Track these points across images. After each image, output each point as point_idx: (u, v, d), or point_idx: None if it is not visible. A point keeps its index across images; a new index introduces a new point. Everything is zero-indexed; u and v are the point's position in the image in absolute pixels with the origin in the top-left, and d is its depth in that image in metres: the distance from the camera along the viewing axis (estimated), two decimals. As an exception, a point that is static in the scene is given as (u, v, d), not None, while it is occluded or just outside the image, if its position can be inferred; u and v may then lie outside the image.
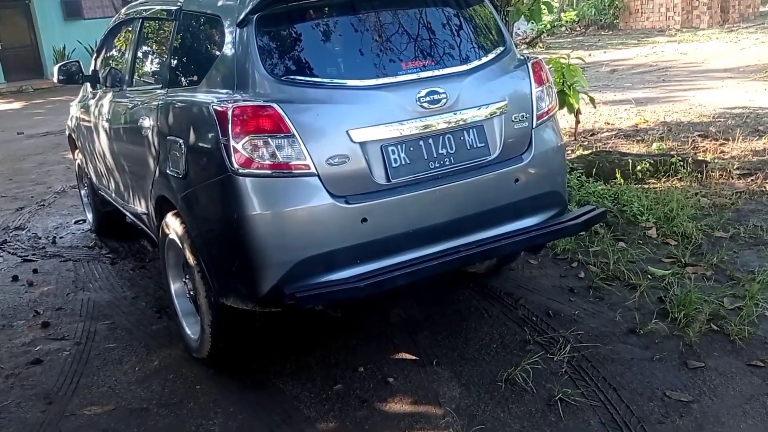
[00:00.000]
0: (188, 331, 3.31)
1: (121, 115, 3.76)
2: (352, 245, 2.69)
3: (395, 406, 2.81)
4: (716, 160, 5.77)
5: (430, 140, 2.81)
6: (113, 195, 4.34)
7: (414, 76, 2.81)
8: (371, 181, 2.71)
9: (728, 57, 13.30)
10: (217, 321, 2.96)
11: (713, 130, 6.95)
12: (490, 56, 3.05)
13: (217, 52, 2.85)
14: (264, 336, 3.32)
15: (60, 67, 4.56)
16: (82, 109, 4.81)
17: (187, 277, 3.25)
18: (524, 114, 3.05)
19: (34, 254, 5.09)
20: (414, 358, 3.16)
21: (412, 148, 2.77)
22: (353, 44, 2.79)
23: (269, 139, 2.57)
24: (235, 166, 2.56)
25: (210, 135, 2.67)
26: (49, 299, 4.22)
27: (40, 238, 5.48)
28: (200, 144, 2.77)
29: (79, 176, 5.62)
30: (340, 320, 3.32)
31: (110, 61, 4.38)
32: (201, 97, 2.82)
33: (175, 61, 3.23)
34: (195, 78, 3.02)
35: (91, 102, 4.53)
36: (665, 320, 3.26)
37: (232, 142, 2.56)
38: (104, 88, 4.40)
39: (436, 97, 2.79)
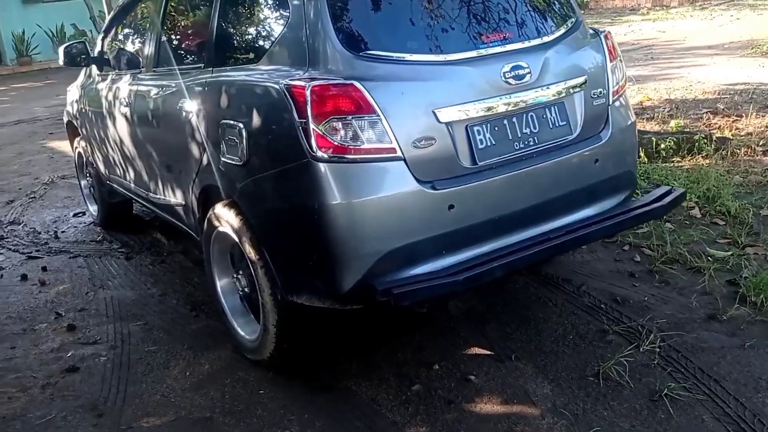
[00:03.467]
0: (241, 332, 3.07)
1: (147, 99, 3.47)
2: (438, 234, 2.48)
3: (485, 406, 2.62)
4: (736, 137, 5.67)
5: (514, 119, 2.61)
6: (132, 185, 4.04)
7: (498, 50, 2.61)
8: (458, 164, 2.49)
9: (708, 34, 13.30)
10: (283, 320, 2.73)
11: (722, 107, 6.86)
12: (565, 28, 2.86)
13: (281, 27, 2.59)
14: (323, 334, 3.08)
15: (65, 48, 4.22)
16: (87, 94, 4.48)
17: (240, 272, 3.01)
18: (601, 90, 2.87)
19: (38, 251, 4.76)
20: (488, 352, 2.97)
21: (497, 128, 2.57)
22: (431, 16, 2.56)
23: (352, 121, 2.33)
24: (315, 150, 2.32)
25: (282, 117, 2.42)
26: (68, 299, 3.92)
27: (40, 233, 5.14)
28: (268, 127, 2.52)
29: (79, 166, 5.28)
30: (398, 314, 3.12)
31: (125, 41, 4.07)
32: (265, 75, 2.57)
33: (222, 39, 2.95)
34: (251, 56, 2.76)
35: (101, 86, 4.21)
36: (744, 305, 3.11)
37: (311, 125, 2.32)
38: (117, 71, 4.08)
39: (520, 72, 2.58)
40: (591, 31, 2.98)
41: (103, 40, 4.32)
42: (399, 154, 2.37)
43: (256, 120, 2.55)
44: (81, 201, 5.77)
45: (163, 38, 3.50)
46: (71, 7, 16.45)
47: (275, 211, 2.58)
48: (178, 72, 3.24)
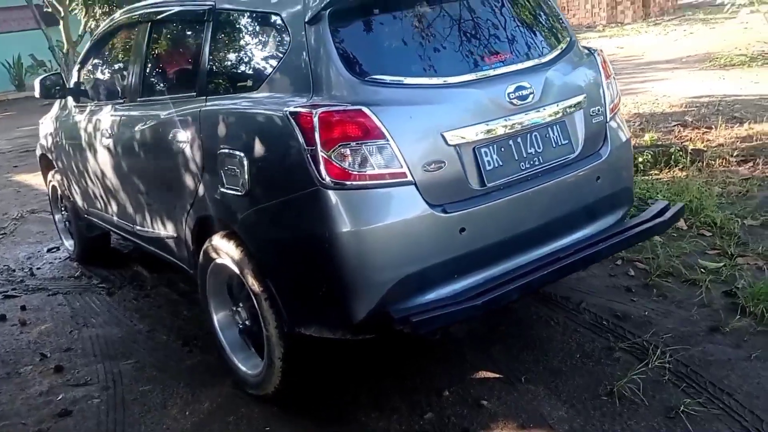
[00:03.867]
0: (242, 367, 2.98)
1: (133, 130, 3.37)
2: (450, 258, 2.45)
3: None
4: (709, 149, 5.78)
5: (519, 139, 2.60)
6: (114, 219, 3.92)
7: (501, 71, 2.60)
8: (467, 186, 2.47)
9: (664, 49, 13.63)
10: (289, 353, 2.65)
11: (690, 120, 7.00)
12: (561, 48, 2.87)
13: (280, 54, 2.54)
14: (328, 364, 3.01)
15: (42, 80, 4.10)
16: (63, 127, 4.35)
17: (240, 305, 2.92)
18: (599, 107, 2.88)
19: (14, 289, 4.59)
20: (497, 375, 2.93)
21: (503, 149, 2.55)
22: (433, 38, 2.55)
23: (362, 146, 2.29)
24: (325, 177, 2.27)
25: (287, 145, 2.37)
26: (52, 339, 3.77)
27: (14, 271, 4.96)
28: (272, 156, 2.46)
29: (53, 200, 5.13)
30: (403, 340, 3.07)
31: (104, 72, 3.97)
32: (266, 103, 2.51)
33: (215, 66, 2.89)
34: (249, 83, 2.70)
35: (79, 118, 4.09)
36: (744, 316, 3.14)
37: (320, 152, 2.26)
38: (96, 102, 3.98)
39: (524, 92, 2.57)
40: (585, 50, 2.99)
41: (79, 71, 4.21)
42: (410, 178, 2.34)
43: (258, 149, 2.49)
44: (55, 236, 5.60)
45: (148, 68, 3.42)
46: (28, 37, 16.19)
47: (281, 242, 2.51)
48: (168, 101, 3.15)
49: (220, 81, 2.88)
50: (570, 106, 2.73)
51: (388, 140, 2.30)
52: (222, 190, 2.68)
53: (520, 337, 3.20)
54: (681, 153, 5.48)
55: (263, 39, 2.70)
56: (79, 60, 4.26)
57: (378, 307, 2.36)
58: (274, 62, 2.57)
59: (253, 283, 2.65)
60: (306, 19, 2.42)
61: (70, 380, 3.30)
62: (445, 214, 2.40)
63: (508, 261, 2.59)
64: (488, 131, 2.49)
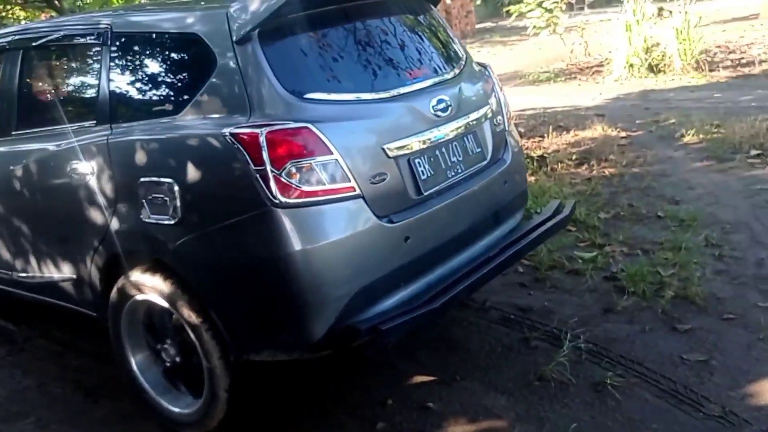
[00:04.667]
0: (172, 408, 2.83)
1: (10, 168, 3.08)
2: (398, 267, 2.53)
3: (456, 428, 2.69)
4: (548, 155, 6.36)
5: (444, 149, 2.74)
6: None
7: (421, 85, 2.73)
8: (407, 196, 2.57)
9: (475, 69, 14.65)
10: (235, 383, 2.57)
11: (523, 130, 7.63)
12: (462, 64, 3.06)
13: (204, 75, 2.47)
14: (264, 391, 2.94)
15: None
16: None
17: (168, 342, 2.77)
18: (500, 117, 3.11)
19: None
20: (432, 378, 3.03)
21: (432, 159, 2.68)
22: (358, 56, 2.63)
23: (311, 163, 2.31)
24: (277, 196, 2.25)
25: (229, 167, 2.32)
26: None
27: None
28: (209, 179, 2.39)
29: None
30: (322, 360, 3.06)
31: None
32: (196, 126, 2.43)
33: (119, 92, 2.73)
34: (168, 107, 2.59)
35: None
36: (629, 296, 3.50)
37: (269, 171, 2.25)
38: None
39: (444, 105, 2.73)
40: (478, 65, 3.21)
41: None
42: (358, 191, 2.39)
43: (192, 173, 2.40)
44: None
45: (24, 99, 3.14)
46: None
47: (226, 267, 2.43)
48: (57, 133, 2.93)
49: (128, 107, 2.73)
50: (480, 117, 2.92)
51: (335, 156, 2.34)
52: (145, 221, 2.55)
53: (441, 340, 3.32)
54: (528, 160, 5.96)
55: (179, 61, 2.62)
56: None
57: (336, 323, 2.37)
58: (197, 84, 2.50)
59: (189, 315, 2.54)
60: (234, 39, 2.39)
61: (-40, 453, 2.91)
62: (392, 224, 2.48)
63: (445, 264, 2.71)
64: (420, 142, 2.61)
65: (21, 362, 3.69)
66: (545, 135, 7.12)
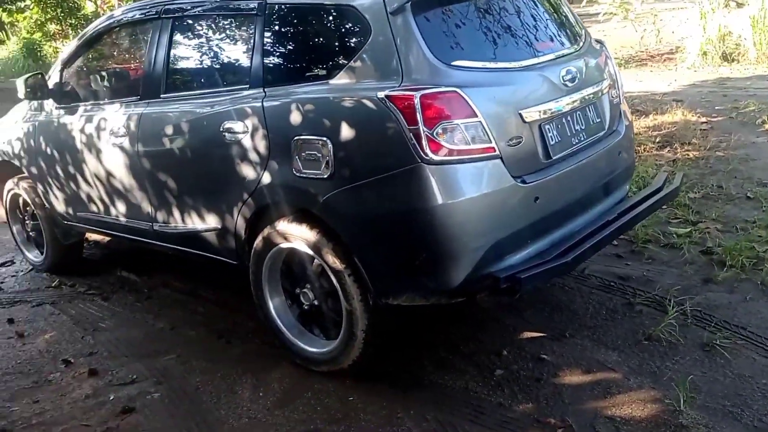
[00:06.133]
0: (306, 347, 3.10)
1: (160, 126, 3.37)
2: (527, 224, 2.73)
3: (572, 378, 2.88)
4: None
5: (569, 117, 2.93)
6: (122, 220, 3.84)
7: (551, 56, 2.92)
8: (538, 159, 2.76)
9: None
10: (373, 325, 2.82)
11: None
12: (584, 39, 3.24)
13: (359, 43, 2.71)
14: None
15: (26, 80, 3.95)
16: (42, 130, 4.19)
17: (307, 287, 3.04)
18: (616, 91, 3.28)
19: (-17, 304, 4.33)
20: (541, 334, 3.24)
21: (559, 126, 2.87)
22: (498, 27, 2.83)
23: (459, 124, 2.53)
24: (428, 154, 2.48)
25: (383, 126, 2.55)
26: (65, 347, 3.66)
27: (-30, 286, 4.66)
28: (363, 138, 2.62)
29: (12, 210, 4.86)
30: (435, 312, 3.29)
31: (104, 71, 3.90)
32: (351, 89, 2.67)
33: (273, 58, 2.99)
34: (321, 72, 2.84)
35: (67, 119, 3.98)
36: (729, 268, 3.65)
37: (423, 130, 2.48)
38: (94, 102, 3.90)
39: (572, 76, 2.91)
40: (597, 42, 3.38)
41: (62, 71, 4.08)
42: (497, 152, 2.60)
43: (346, 132, 2.64)
44: None
45: (173, 65, 3.43)
46: None
47: (373, 217, 2.67)
48: (207, 96, 3.21)
49: (281, 72, 2.98)
50: (601, 89, 3.10)
51: (479, 118, 2.55)
52: (297, 175, 2.80)
53: (545, 302, 3.53)
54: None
55: (333, 30, 2.85)
56: (61, 60, 4.12)
57: (473, 272, 2.60)
58: (351, 51, 2.73)
59: (333, 261, 2.80)
60: (389, 11, 2.61)
61: (113, 381, 3.25)
62: (524, 185, 2.68)
63: (566, 226, 2.91)
64: (551, 110, 2.81)
65: (150, 308, 4.03)
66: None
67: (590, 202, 3.08)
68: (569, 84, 2.88)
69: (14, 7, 21.60)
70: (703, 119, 6.90)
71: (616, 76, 3.31)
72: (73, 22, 22.98)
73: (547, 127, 2.80)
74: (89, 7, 20.62)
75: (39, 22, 22.34)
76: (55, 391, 3.21)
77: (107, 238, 5.15)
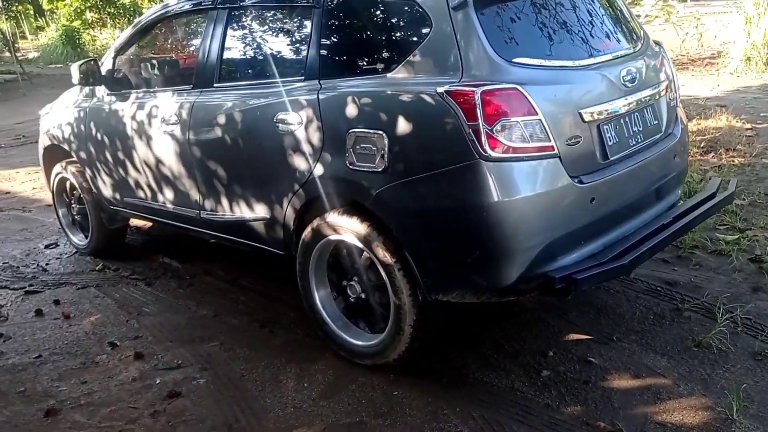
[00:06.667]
0: (351, 339, 3.10)
1: (213, 115, 3.39)
2: (582, 225, 2.70)
3: (621, 382, 2.85)
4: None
5: (627, 118, 2.89)
6: (169, 206, 3.88)
7: (611, 56, 2.89)
8: (595, 160, 2.73)
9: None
10: (421, 320, 2.82)
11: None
12: (643, 40, 3.19)
13: (418, 38, 2.70)
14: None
15: (80, 65, 4.01)
16: (92, 115, 4.24)
17: (354, 279, 3.04)
18: (673, 93, 3.23)
19: (31, 285, 4.41)
20: (588, 337, 3.21)
21: (617, 126, 2.84)
22: (558, 24, 2.80)
23: (518, 122, 2.51)
24: (487, 151, 2.46)
25: (441, 121, 2.54)
26: (111, 329, 3.70)
27: (18, 267, 4.74)
28: (421, 132, 2.61)
29: (58, 194, 4.94)
30: (478, 309, 3.27)
31: (157, 60, 3.94)
32: (409, 83, 2.66)
33: (329, 51, 3.00)
34: (379, 66, 2.83)
35: (119, 106, 4.02)
36: (778, 277, 3.59)
37: (482, 127, 2.46)
38: (146, 89, 3.95)
39: (632, 76, 2.88)
40: (655, 43, 3.33)
41: (115, 58, 4.13)
42: (556, 151, 2.57)
43: (403, 126, 2.63)
44: (45, 232, 5.45)
45: (228, 55, 3.45)
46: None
47: (428, 212, 2.65)
48: (261, 86, 3.23)
49: (337, 65, 2.99)
50: (659, 91, 3.06)
51: (539, 116, 2.53)
52: (350, 168, 2.80)
53: (590, 304, 3.49)
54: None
55: (393, 24, 2.85)
56: (114, 48, 4.17)
57: (526, 271, 2.58)
58: (410, 46, 2.72)
59: (384, 254, 2.79)
60: (451, 6, 2.60)
61: (159, 365, 3.28)
62: (581, 185, 2.66)
63: (619, 228, 2.88)
64: (610, 110, 2.77)
65: (192, 295, 4.07)
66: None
67: (643, 206, 3.04)
68: (629, 84, 2.85)
69: (56, -6, 21.91)
70: (748, 125, 6.79)
71: (673, 78, 3.26)
72: (111, 11, 23.32)
73: (605, 127, 2.77)
74: (127, -4, 20.87)
75: (79, 10, 22.67)
76: (102, 373, 3.25)
77: (148, 225, 5.22)
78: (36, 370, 3.31)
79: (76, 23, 22.55)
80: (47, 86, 16.01)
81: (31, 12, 25.64)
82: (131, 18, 22.90)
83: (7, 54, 22.34)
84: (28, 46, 25.99)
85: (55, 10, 24.84)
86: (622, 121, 2.85)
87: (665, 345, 3.09)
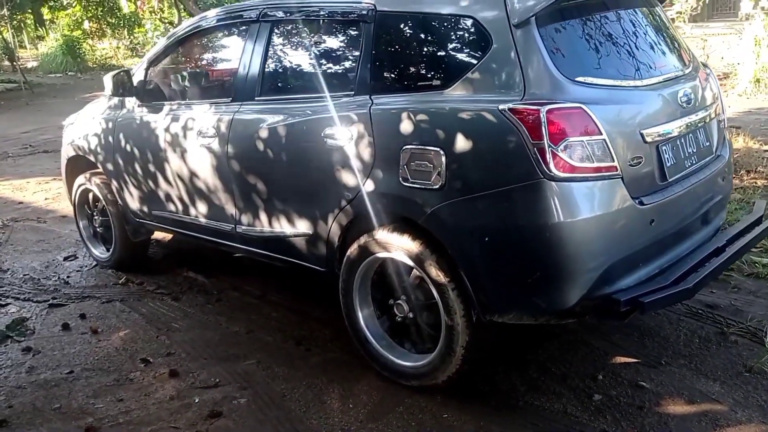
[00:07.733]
0: (396, 360, 3.04)
1: (255, 129, 3.34)
2: (642, 247, 2.66)
3: (676, 408, 2.80)
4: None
5: (683, 139, 2.86)
6: (201, 220, 3.82)
7: (668, 77, 2.86)
8: (654, 181, 2.70)
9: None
10: (474, 341, 2.76)
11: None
12: (693, 62, 3.17)
13: (478, 55, 2.66)
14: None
15: (113, 76, 3.96)
16: (122, 127, 4.18)
17: (402, 298, 2.99)
18: (721, 114, 3.21)
19: (54, 298, 4.32)
20: (634, 360, 3.16)
21: (675, 148, 2.81)
22: (619, 44, 2.78)
23: (584, 141, 2.47)
24: (552, 170, 2.42)
25: (504, 140, 2.50)
26: (141, 345, 3.62)
27: (39, 280, 4.65)
28: (481, 150, 2.57)
29: (80, 205, 4.87)
30: (517, 331, 3.22)
31: (194, 73, 3.89)
32: (469, 101, 2.62)
33: (381, 66, 2.95)
34: (436, 83, 2.79)
35: (151, 118, 3.97)
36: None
37: (547, 146, 2.42)
38: (180, 101, 3.90)
39: (688, 98, 2.85)
40: (702, 65, 3.31)
41: (147, 70, 4.08)
42: (619, 172, 2.53)
43: (461, 144, 2.59)
44: (62, 244, 5.36)
45: (271, 68, 3.40)
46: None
47: (486, 232, 2.60)
48: (307, 101, 3.18)
49: (390, 81, 2.94)
50: (711, 113, 3.03)
51: (603, 136, 2.49)
52: (404, 185, 2.75)
53: (633, 326, 3.44)
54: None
55: (450, 41, 2.80)
56: (147, 59, 4.12)
57: (588, 293, 2.53)
58: (469, 63, 2.68)
59: (437, 274, 2.74)
60: (514, 23, 2.56)
61: (196, 383, 3.20)
62: (642, 206, 2.62)
63: (673, 251, 2.84)
64: (669, 131, 2.74)
65: (222, 310, 4.00)
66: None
67: (694, 228, 3.01)
68: (686, 105, 2.82)
69: (58, 4, 21.90)
70: (766, 147, 6.78)
71: (720, 100, 3.24)
72: (112, 21, 23.30)
73: (664, 148, 2.74)
74: (126, 7, 20.85)
75: (79, 20, 22.66)
76: (138, 390, 3.17)
77: (169, 237, 5.15)
78: (69, 386, 3.23)
79: (77, 33, 22.53)
80: (48, 95, 15.96)
81: (31, 21, 25.59)
82: (131, 28, 22.94)
83: (7, 63, 22.26)
84: (27, 55, 25.90)
85: (56, 20, 24.86)
86: (678, 142, 2.82)
87: (716, 370, 3.04)
